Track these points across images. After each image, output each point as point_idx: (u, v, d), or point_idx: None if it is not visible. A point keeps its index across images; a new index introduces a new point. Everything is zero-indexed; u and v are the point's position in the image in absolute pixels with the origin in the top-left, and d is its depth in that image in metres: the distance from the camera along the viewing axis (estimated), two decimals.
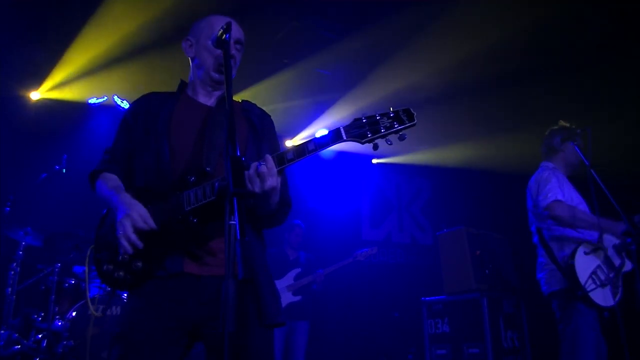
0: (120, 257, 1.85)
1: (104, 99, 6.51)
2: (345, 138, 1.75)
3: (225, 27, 1.81)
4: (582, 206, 3.62)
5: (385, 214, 8.32)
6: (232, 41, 1.99)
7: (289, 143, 7.36)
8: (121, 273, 1.85)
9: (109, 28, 5.51)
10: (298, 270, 5.68)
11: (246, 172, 1.70)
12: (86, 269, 2.57)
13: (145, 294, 1.83)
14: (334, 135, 1.75)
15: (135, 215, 1.78)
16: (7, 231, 4.81)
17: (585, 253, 3.37)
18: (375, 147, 1.77)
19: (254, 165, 1.71)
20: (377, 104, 6.88)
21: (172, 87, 2.21)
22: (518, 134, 6.71)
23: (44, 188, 5.12)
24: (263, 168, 1.69)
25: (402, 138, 1.76)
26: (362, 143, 1.76)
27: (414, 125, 1.76)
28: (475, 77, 6.32)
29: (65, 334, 4.36)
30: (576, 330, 3.30)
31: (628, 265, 3.51)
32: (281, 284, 5.56)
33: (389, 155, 8.34)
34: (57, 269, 4.68)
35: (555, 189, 3.53)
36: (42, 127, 6.21)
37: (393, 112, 1.77)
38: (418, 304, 5.29)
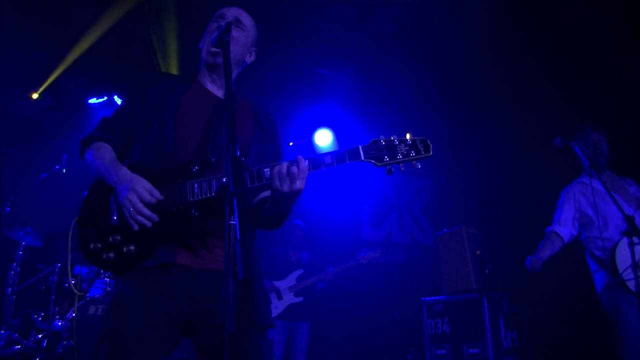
0: (111, 238, 1.78)
1: (104, 99, 6.51)
2: (363, 158, 1.79)
3: (225, 28, 1.82)
4: (611, 214, 3.64)
5: (385, 214, 8.30)
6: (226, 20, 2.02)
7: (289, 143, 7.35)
8: (111, 254, 1.78)
9: (109, 28, 5.51)
10: (300, 271, 5.66)
11: (277, 170, 1.72)
12: (69, 240, 2.52)
13: (135, 287, 1.76)
14: (352, 154, 1.79)
15: (140, 190, 1.74)
16: (7, 231, 4.81)
17: (629, 244, 3.39)
18: (390, 172, 1.81)
19: (285, 164, 1.72)
20: (376, 104, 6.89)
21: None
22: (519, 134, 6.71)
23: (44, 188, 5.12)
24: (294, 169, 1.70)
25: (415, 167, 1.81)
26: (378, 166, 1.78)
27: (429, 156, 1.80)
28: (477, 77, 6.32)
29: (65, 334, 4.36)
30: (616, 311, 3.40)
31: None
32: (283, 284, 5.55)
33: None
34: (57, 269, 4.69)
35: (559, 216, 3.73)
36: (42, 127, 6.21)
37: (411, 140, 1.82)
38: (418, 304, 5.28)
